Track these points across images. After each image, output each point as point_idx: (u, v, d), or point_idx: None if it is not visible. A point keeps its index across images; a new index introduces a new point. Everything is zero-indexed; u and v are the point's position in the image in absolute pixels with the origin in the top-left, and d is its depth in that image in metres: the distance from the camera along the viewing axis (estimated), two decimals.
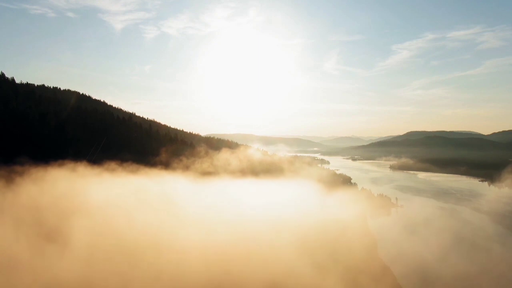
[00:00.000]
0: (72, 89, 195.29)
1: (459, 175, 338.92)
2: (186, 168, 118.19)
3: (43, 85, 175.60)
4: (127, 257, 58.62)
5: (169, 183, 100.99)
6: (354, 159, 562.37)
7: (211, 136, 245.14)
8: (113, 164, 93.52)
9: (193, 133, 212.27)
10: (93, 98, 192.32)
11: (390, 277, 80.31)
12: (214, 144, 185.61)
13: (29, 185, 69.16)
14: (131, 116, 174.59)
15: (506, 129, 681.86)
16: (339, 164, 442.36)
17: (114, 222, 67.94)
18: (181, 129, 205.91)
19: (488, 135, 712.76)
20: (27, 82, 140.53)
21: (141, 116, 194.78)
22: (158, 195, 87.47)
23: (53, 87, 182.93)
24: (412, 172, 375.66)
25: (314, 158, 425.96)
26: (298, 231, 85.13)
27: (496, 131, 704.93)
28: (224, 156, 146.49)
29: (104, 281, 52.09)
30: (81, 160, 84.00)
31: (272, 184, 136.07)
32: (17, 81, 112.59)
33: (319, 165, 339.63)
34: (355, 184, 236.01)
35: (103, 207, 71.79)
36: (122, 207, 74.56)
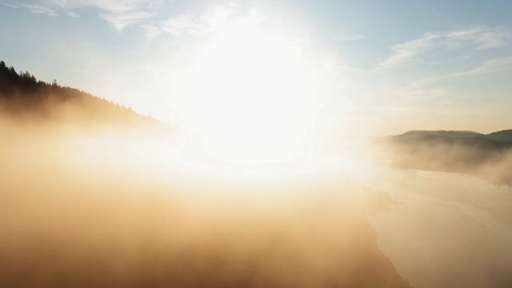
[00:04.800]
0: (72, 87, 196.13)
1: (459, 173, 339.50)
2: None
3: (43, 83, 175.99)
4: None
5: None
6: (354, 158, 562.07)
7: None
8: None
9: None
10: (93, 95, 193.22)
11: (389, 268, 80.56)
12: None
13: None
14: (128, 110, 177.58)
15: (506, 128, 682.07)
16: (339, 163, 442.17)
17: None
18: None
19: (487, 134, 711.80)
20: (27, 72, 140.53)
21: (140, 114, 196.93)
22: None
23: (52, 84, 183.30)
24: (411, 170, 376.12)
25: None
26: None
27: (496, 130, 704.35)
28: None
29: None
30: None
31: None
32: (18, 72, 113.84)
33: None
34: (355, 181, 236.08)
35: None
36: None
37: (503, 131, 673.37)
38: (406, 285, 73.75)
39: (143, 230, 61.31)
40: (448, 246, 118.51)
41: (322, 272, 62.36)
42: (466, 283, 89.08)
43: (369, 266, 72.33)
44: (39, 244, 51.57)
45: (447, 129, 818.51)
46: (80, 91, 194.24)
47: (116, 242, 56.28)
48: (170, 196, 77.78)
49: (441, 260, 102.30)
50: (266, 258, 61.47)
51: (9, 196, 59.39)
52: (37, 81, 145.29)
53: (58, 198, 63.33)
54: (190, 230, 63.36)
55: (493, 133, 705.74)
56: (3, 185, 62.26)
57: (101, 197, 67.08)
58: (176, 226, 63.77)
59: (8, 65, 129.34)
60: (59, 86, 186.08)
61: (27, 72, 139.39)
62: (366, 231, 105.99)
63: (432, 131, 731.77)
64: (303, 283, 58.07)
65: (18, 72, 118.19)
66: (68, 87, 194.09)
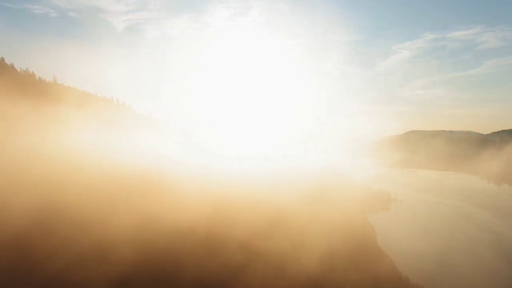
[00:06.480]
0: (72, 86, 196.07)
1: (458, 172, 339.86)
2: None
3: (43, 80, 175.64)
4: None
5: None
6: (354, 158, 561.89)
7: None
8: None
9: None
10: (93, 94, 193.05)
11: (389, 264, 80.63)
12: None
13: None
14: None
15: (506, 128, 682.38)
16: (339, 162, 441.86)
17: None
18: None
19: (487, 134, 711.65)
20: (27, 68, 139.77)
21: (140, 113, 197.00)
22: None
23: (52, 81, 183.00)
24: (412, 169, 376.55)
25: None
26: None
27: (496, 130, 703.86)
28: None
29: None
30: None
31: None
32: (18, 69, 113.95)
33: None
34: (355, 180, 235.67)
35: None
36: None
37: (503, 131, 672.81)
38: (406, 281, 73.81)
39: (143, 211, 61.95)
40: (448, 244, 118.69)
41: (321, 255, 62.98)
42: (465, 280, 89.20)
43: (369, 260, 72.45)
44: (39, 226, 51.94)
45: (447, 129, 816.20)
46: (80, 90, 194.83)
47: (117, 221, 57.10)
48: (171, 183, 78.60)
49: (440, 257, 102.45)
50: (266, 241, 62.05)
51: (9, 190, 59.67)
52: (37, 77, 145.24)
53: (58, 184, 63.94)
54: (190, 214, 64.01)
55: (493, 133, 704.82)
56: (3, 175, 62.56)
57: (101, 182, 67.65)
58: (176, 210, 64.37)
59: (7, 62, 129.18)
60: (59, 83, 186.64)
61: (27, 68, 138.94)
62: (365, 229, 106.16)
63: (432, 131, 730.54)
64: (301, 263, 58.61)
65: (18, 69, 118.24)
66: (68, 86, 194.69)
